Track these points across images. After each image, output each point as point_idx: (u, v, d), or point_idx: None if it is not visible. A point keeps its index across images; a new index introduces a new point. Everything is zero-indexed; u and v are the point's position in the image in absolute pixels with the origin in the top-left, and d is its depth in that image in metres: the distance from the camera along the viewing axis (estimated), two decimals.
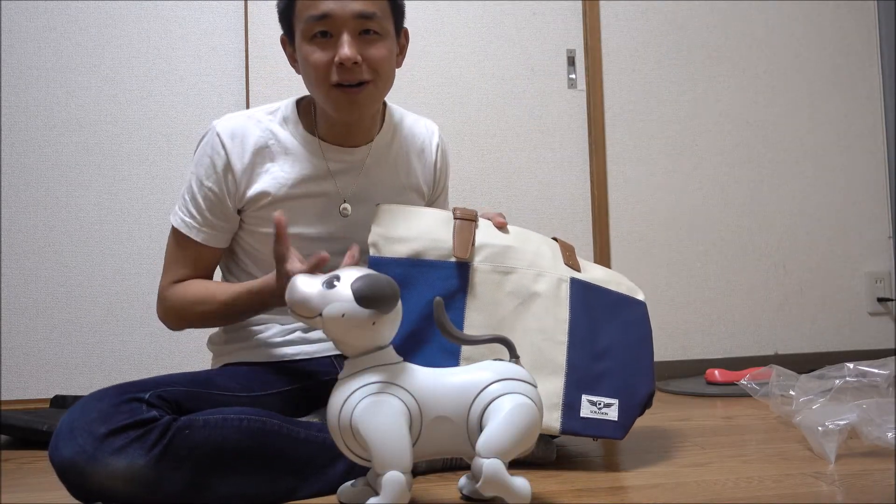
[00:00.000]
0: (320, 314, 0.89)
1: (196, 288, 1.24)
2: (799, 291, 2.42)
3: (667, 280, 2.34)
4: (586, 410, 1.12)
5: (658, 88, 2.38)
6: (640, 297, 1.25)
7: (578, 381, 1.14)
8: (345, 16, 1.14)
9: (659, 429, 1.51)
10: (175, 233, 1.26)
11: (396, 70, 1.25)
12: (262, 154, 1.23)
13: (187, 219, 1.24)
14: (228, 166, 1.22)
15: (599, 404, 1.12)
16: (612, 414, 1.12)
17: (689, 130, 2.40)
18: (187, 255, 1.25)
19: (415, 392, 0.90)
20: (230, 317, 1.25)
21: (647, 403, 1.17)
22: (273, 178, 1.23)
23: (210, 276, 1.30)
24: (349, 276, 0.91)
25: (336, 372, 1.14)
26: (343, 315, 0.89)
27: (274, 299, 1.13)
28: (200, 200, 1.23)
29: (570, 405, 1.12)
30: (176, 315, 1.26)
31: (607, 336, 1.18)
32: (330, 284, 0.90)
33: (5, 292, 2.06)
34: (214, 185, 1.22)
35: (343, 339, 0.91)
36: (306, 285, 0.91)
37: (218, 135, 1.23)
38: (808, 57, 2.47)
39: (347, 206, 1.27)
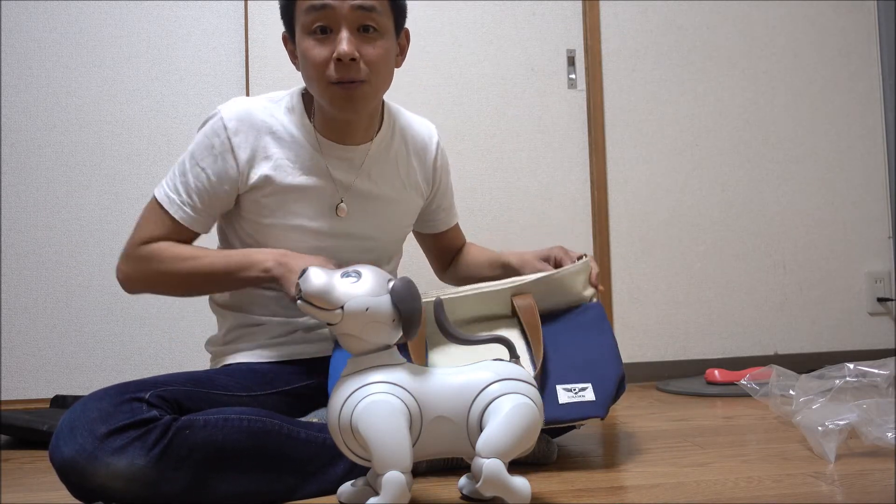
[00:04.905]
0: (341, 307, 0.88)
1: (182, 247, 1.22)
2: (799, 291, 2.42)
3: (667, 280, 2.34)
4: (564, 397, 1.13)
5: (658, 88, 2.38)
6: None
7: (549, 375, 1.15)
8: (344, 8, 1.14)
9: (659, 429, 1.51)
10: (154, 205, 1.24)
11: (396, 70, 1.25)
12: (268, 139, 1.22)
13: (171, 194, 1.22)
14: (230, 149, 1.21)
15: (575, 389, 1.14)
16: (589, 395, 1.13)
17: (689, 130, 2.39)
18: (161, 230, 1.22)
19: (415, 392, 0.90)
20: (215, 277, 1.21)
21: (621, 386, 1.18)
22: (276, 165, 1.22)
23: None
24: (371, 273, 0.91)
25: None
26: (367, 309, 0.88)
27: (272, 263, 1.17)
28: (191, 179, 1.22)
29: (548, 395, 1.12)
30: (150, 271, 1.21)
31: (566, 337, 1.21)
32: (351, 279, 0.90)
33: (5, 292, 2.06)
34: (209, 167, 1.21)
35: (358, 335, 0.90)
36: (324, 277, 0.89)
37: (222, 119, 1.22)
38: (808, 57, 2.47)
39: (344, 205, 1.27)
